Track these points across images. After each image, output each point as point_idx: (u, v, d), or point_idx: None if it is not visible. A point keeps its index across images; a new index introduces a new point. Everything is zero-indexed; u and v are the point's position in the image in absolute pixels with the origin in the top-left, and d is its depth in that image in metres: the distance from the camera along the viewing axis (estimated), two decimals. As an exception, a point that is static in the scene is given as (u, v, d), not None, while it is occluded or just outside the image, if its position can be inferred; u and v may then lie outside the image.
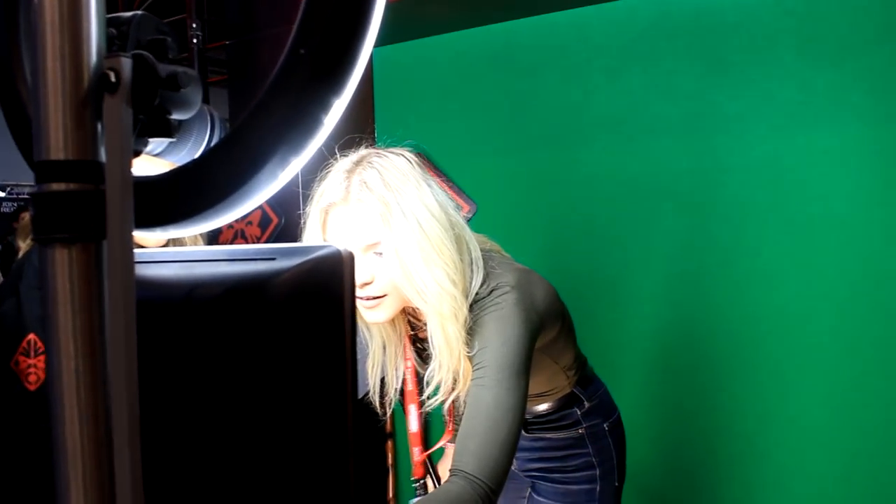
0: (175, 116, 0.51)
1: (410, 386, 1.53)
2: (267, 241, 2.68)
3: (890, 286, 1.97)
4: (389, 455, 2.83)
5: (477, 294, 1.27)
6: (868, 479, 2.01)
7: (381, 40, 2.75)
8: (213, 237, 2.67)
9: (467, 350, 1.25)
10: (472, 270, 1.28)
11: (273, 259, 0.50)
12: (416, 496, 1.61)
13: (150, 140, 0.52)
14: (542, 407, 1.56)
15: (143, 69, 0.47)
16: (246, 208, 0.52)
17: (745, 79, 2.14)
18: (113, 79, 0.45)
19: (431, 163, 2.61)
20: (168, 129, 0.50)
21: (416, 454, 1.63)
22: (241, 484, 0.50)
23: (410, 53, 2.75)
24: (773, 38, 2.10)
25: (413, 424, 1.59)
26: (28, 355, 1.46)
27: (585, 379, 1.59)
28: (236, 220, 2.71)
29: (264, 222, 2.67)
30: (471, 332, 1.26)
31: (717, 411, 2.23)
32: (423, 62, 2.72)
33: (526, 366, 1.23)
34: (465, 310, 1.24)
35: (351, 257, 0.50)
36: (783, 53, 2.09)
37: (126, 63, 0.45)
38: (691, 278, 2.25)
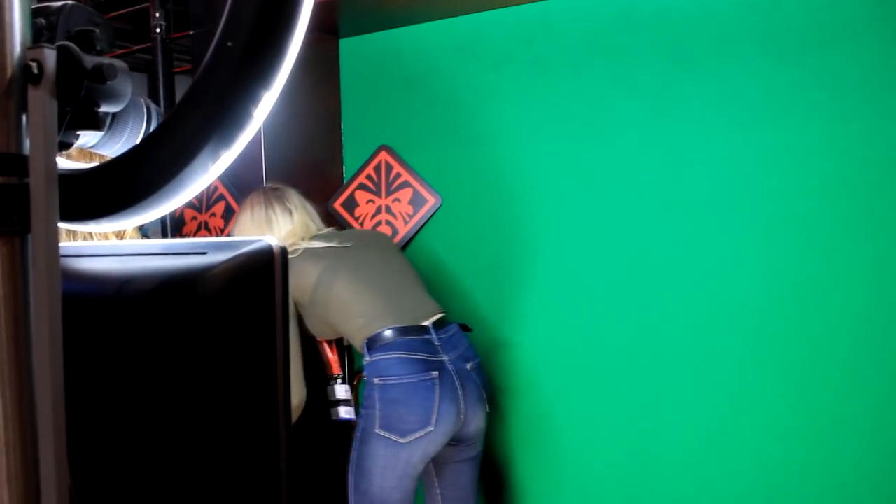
0: (104, 109, 0.50)
1: None
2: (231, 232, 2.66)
3: (849, 281, 2.00)
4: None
5: None
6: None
7: (348, 32, 2.74)
8: (176, 228, 2.64)
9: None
10: None
11: (204, 254, 0.50)
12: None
13: (82, 133, 0.52)
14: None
15: (67, 61, 0.46)
16: (178, 202, 0.51)
17: (708, 74, 2.16)
18: (36, 70, 0.44)
19: (397, 156, 2.61)
20: (96, 122, 0.49)
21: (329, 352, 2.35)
22: (171, 479, 0.50)
23: (377, 45, 2.73)
24: (736, 34, 2.12)
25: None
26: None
27: (374, 342, 1.97)
28: (199, 212, 2.68)
29: (227, 213, 2.64)
30: None
31: (677, 406, 2.25)
32: (389, 54, 2.71)
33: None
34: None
35: (282, 251, 0.49)
36: (746, 50, 2.11)
37: (50, 54, 0.45)
38: (654, 273, 2.27)
